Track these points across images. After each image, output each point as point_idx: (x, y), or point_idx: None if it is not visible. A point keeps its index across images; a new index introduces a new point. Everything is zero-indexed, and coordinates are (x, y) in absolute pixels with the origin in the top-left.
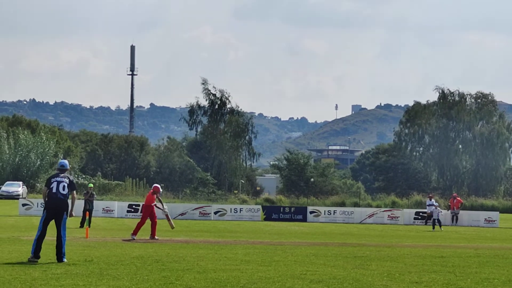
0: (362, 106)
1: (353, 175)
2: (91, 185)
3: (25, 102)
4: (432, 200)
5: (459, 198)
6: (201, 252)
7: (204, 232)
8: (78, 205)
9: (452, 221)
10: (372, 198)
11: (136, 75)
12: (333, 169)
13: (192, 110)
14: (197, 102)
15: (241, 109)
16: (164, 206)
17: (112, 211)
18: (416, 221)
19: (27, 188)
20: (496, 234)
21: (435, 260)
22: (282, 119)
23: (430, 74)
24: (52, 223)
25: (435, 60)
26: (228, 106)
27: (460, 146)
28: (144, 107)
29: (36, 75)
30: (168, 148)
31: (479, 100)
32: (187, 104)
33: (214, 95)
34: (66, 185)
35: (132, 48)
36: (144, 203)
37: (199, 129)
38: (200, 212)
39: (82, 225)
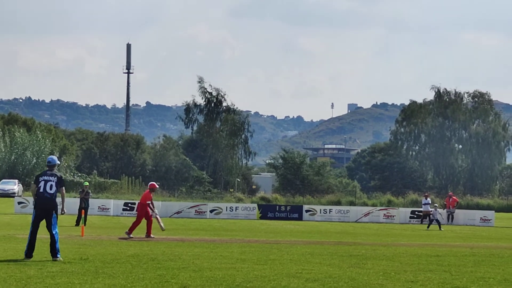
0: (358, 105)
1: (349, 174)
2: (87, 183)
3: (21, 100)
4: (428, 199)
5: (454, 197)
6: (197, 251)
7: (200, 230)
8: (73, 203)
9: (448, 220)
10: (368, 197)
11: (132, 73)
12: (329, 167)
13: (188, 109)
14: (193, 101)
15: (237, 108)
16: (154, 209)
17: (108, 209)
18: (412, 220)
19: (23, 186)
20: (491, 233)
21: (430, 259)
22: (278, 118)
23: (426, 73)
24: (44, 221)
25: (431, 59)
26: (224, 104)
27: (456, 145)
28: (140, 106)
29: (32, 73)
30: (164, 147)
31: (476, 99)
32: (183, 103)
33: (210, 93)
34: (53, 184)
35: (128, 46)
36: (139, 201)
37: (195, 128)
38: (195, 210)
39: (77, 223)
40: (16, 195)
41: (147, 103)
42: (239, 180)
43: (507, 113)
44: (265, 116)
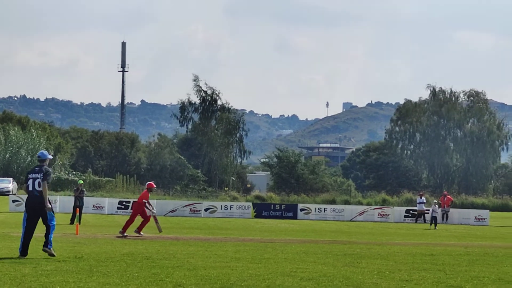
0: (353, 104)
1: (343, 173)
2: (81, 181)
3: (15, 98)
4: (423, 198)
5: (449, 196)
6: (191, 249)
7: (195, 229)
8: (68, 201)
9: (443, 219)
10: (363, 195)
11: (127, 71)
12: (323, 166)
13: (183, 107)
14: (188, 99)
15: (232, 106)
16: (153, 208)
17: (103, 207)
18: (407, 219)
19: (18, 185)
20: (486, 232)
21: (425, 258)
22: (273, 116)
23: (421, 72)
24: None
25: (426, 58)
26: (219, 103)
27: (451, 144)
28: (135, 104)
29: (27, 71)
30: (159, 145)
31: (471, 98)
32: (178, 101)
33: (205, 92)
34: (40, 180)
35: (123, 44)
36: (137, 200)
37: (190, 126)
38: (190, 209)
39: (72, 222)
40: (11, 193)
41: (142, 101)
42: (234, 178)
43: (502, 112)
44: (260, 115)
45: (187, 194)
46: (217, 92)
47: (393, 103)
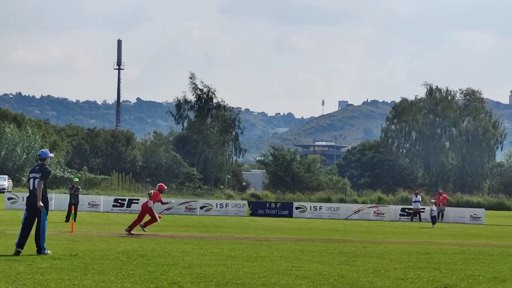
0: (349, 102)
1: (339, 171)
2: (77, 179)
3: (11, 96)
4: (418, 196)
5: (445, 195)
6: (187, 247)
7: (190, 227)
8: (63, 199)
9: (438, 218)
10: (358, 194)
11: (123, 69)
12: (319, 164)
13: (179, 105)
14: (184, 97)
15: (227, 104)
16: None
17: (98, 205)
18: (402, 217)
19: (13, 182)
20: (481, 231)
21: (420, 256)
22: (268, 115)
23: (417, 71)
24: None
25: (422, 57)
26: (215, 101)
27: (447, 143)
28: (130, 102)
29: (23, 68)
30: (155, 143)
31: (467, 97)
32: (174, 99)
33: (201, 90)
34: (38, 180)
35: (119, 42)
36: (149, 199)
37: (185, 124)
38: (186, 207)
39: (67, 219)
40: (6, 190)
41: (138, 99)
42: (229, 177)
43: (497, 111)
44: (255, 113)
45: (182, 192)
46: (213, 90)
47: (389, 102)
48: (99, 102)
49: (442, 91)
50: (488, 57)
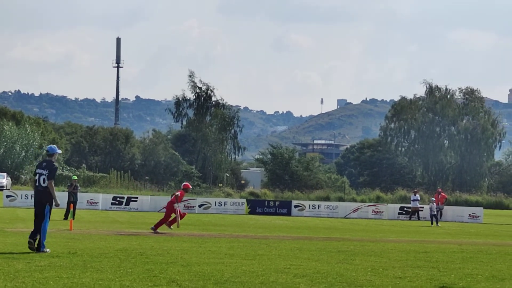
0: (348, 101)
1: (338, 170)
2: (75, 177)
3: (10, 94)
4: (417, 195)
5: (443, 194)
6: (185, 246)
7: (188, 225)
8: (62, 197)
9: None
10: (357, 192)
11: (121, 67)
12: (318, 163)
13: (178, 103)
14: (183, 95)
15: (226, 103)
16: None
17: (97, 203)
18: (401, 216)
19: (12, 180)
20: (480, 230)
21: (419, 255)
22: (267, 113)
23: (416, 69)
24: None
25: (421, 56)
26: (214, 99)
27: (445, 142)
28: (129, 100)
29: (21, 66)
30: (153, 141)
31: (467, 96)
32: (173, 97)
33: (200, 88)
34: (45, 177)
35: (118, 40)
36: (173, 199)
37: (184, 122)
38: (184, 205)
39: (66, 217)
40: (5, 188)
41: (137, 97)
42: (228, 175)
43: (496, 110)
44: (254, 111)
45: None
46: (211, 88)
47: (388, 100)
48: (98, 100)
49: (442, 89)
50: (487, 56)
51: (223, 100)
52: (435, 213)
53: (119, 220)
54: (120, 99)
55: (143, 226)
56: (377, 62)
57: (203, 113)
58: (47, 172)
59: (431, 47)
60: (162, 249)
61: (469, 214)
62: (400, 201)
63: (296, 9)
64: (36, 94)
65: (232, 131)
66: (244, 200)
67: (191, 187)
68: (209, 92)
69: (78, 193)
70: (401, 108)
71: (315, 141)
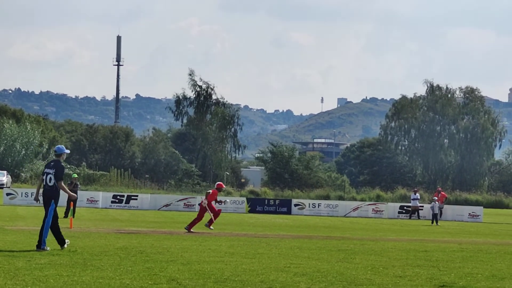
0: (348, 100)
1: (338, 168)
2: (75, 175)
3: (10, 91)
4: (417, 194)
5: (443, 193)
6: (185, 244)
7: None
8: (62, 195)
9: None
10: (357, 191)
11: (122, 65)
12: (318, 162)
13: (178, 101)
14: (183, 93)
15: (226, 101)
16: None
17: (97, 201)
18: (400, 215)
19: (12, 178)
20: (480, 229)
21: (419, 254)
22: (267, 112)
23: (416, 68)
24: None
25: (421, 55)
26: (214, 97)
27: (446, 141)
28: (129, 98)
29: (22, 64)
30: (153, 139)
31: (467, 95)
32: (173, 95)
33: (200, 86)
34: (52, 176)
35: (118, 38)
36: (204, 199)
37: (184, 120)
38: (184, 203)
39: (66, 215)
40: (5, 186)
41: (137, 95)
42: (228, 173)
43: (496, 109)
44: (254, 110)
45: (181, 188)
46: (212, 87)
47: (388, 99)
48: (98, 98)
49: (442, 89)
50: (487, 55)
51: (223, 98)
52: (437, 212)
53: (119, 218)
54: (120, 97)
55: (143, 224)
56: (377, 61)
57: (203, 112)
58: (53, 171)
59: (431, 46)
60: (162, 248)
61: (469, 213)
62: (400, 200)
63: (297, 8)
64: (36, 92)
65: (232, 129)
66: (244, 199)
67: (224, 186)
68: (209, 90)
69: (78, 191)
70: (402, 107)
71: (315, 140)
